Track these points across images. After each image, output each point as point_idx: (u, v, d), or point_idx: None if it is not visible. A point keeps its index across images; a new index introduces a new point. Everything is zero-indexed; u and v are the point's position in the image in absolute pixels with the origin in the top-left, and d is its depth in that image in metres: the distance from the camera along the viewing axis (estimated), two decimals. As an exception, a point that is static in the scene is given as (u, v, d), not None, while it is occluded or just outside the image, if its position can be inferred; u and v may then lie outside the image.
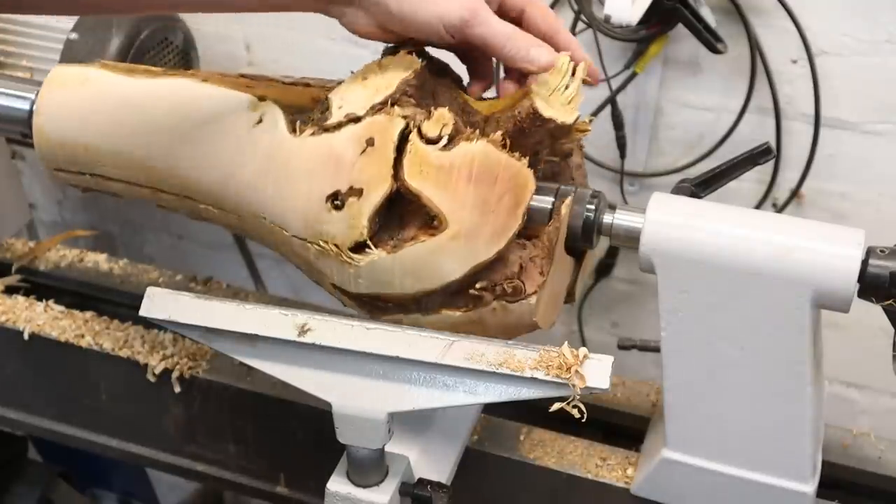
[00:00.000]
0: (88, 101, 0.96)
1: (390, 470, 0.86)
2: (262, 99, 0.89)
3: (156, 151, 0.93)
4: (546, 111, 0.83)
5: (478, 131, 0.83)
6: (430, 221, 0.82)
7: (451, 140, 0.81)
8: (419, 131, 0.82)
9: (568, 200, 0.85)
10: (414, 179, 0.80)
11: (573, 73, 0.85)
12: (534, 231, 0.86)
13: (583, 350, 0.77)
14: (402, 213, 0.84)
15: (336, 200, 0.82)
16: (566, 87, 0.85)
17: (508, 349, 0.78)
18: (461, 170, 0.80)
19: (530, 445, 1.05)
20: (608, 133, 1.38)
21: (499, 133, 0.82)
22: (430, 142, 0.81)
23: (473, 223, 0.80)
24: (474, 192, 0.80)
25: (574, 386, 0.75)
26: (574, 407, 0.76)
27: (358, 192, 0.82)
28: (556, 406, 0.76)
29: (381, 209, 0.82)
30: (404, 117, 0.82)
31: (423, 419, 0.98)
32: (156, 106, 0.93)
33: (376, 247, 0.82)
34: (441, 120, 0.82)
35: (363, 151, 0.82)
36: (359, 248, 0.83)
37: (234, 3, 0.84)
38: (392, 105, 0.83)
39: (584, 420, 0.75)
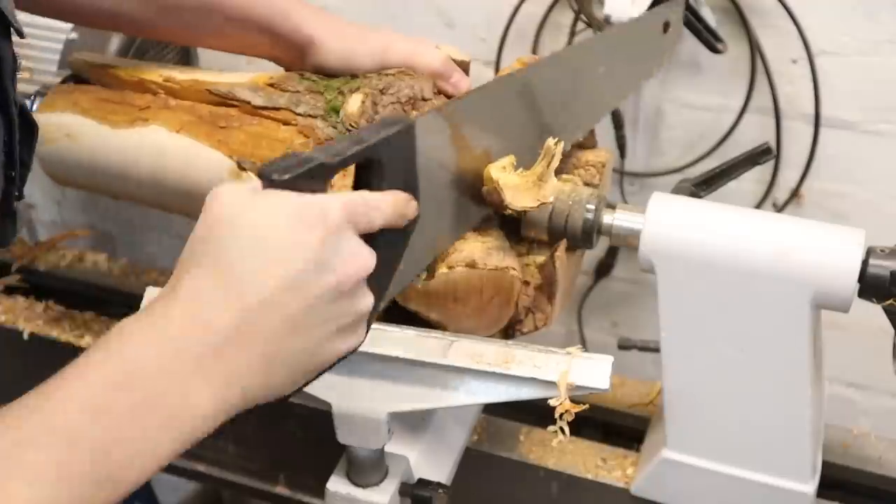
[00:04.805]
0: (76, 157, 0.98)
1: (390, 470, 0.86)
2: (241, 167, 0.89)
3: (150, 200, 0.98)
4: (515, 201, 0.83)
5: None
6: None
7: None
8: None
9: (562, 249, 0.87)
10: (404, 301, 0.84)
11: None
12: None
13: (582, 351, 0.77)
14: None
15: None
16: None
17: (508, 349, 0.78)
18: (446, 294, 0.83)
19: (530, 445, 1.05)
20: (608, 133, 1.37)
21: (478, 250, 0.83)
22: None
23: (470, 325, 0.85)
24: (463, 307, 0.83)
25: (574, 386, 0.75)
26: (564, 418, 0.76)
27: None
28: (559, 410, 0.76)
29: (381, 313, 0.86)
30: None
31: (423, 419, 0.98)
32: (139, 165, 0.95)
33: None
34: None
35: None
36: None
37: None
38: None
39: (582, 420, 0.75)
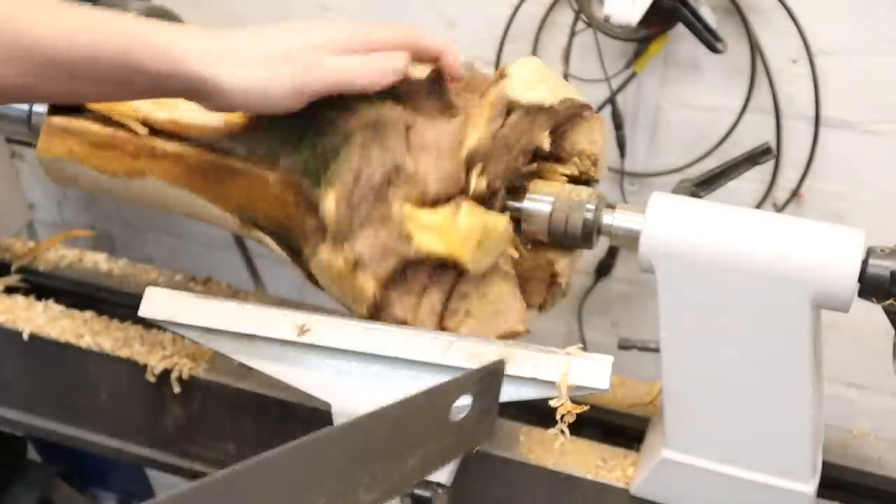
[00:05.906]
0: (80, 185, 0.99)
1: (390, 470, 0.86)
2: (245, 225, 0.89)
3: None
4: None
5: None
6: None
7: None
8: None
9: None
10: None
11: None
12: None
13: (582, 350, 0.77)
14: None
15: None
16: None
17: (508, 349, 0.78)
18: None
19: (530, 445, 1.05)
20: (608, 133, 1.38)
21: None
22: None
23: None
24: None
25: (574, 387, 0.75)
26: (566, 419, 0.76)
27: None
28: (561, 411, 0.76)
29: None
30: None
31: (422, 419, 0.98)
32: (143, 204, 0.96)
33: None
34: None
35: None
36: None
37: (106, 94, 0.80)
38: None
39: (582, 420, 0.76)
